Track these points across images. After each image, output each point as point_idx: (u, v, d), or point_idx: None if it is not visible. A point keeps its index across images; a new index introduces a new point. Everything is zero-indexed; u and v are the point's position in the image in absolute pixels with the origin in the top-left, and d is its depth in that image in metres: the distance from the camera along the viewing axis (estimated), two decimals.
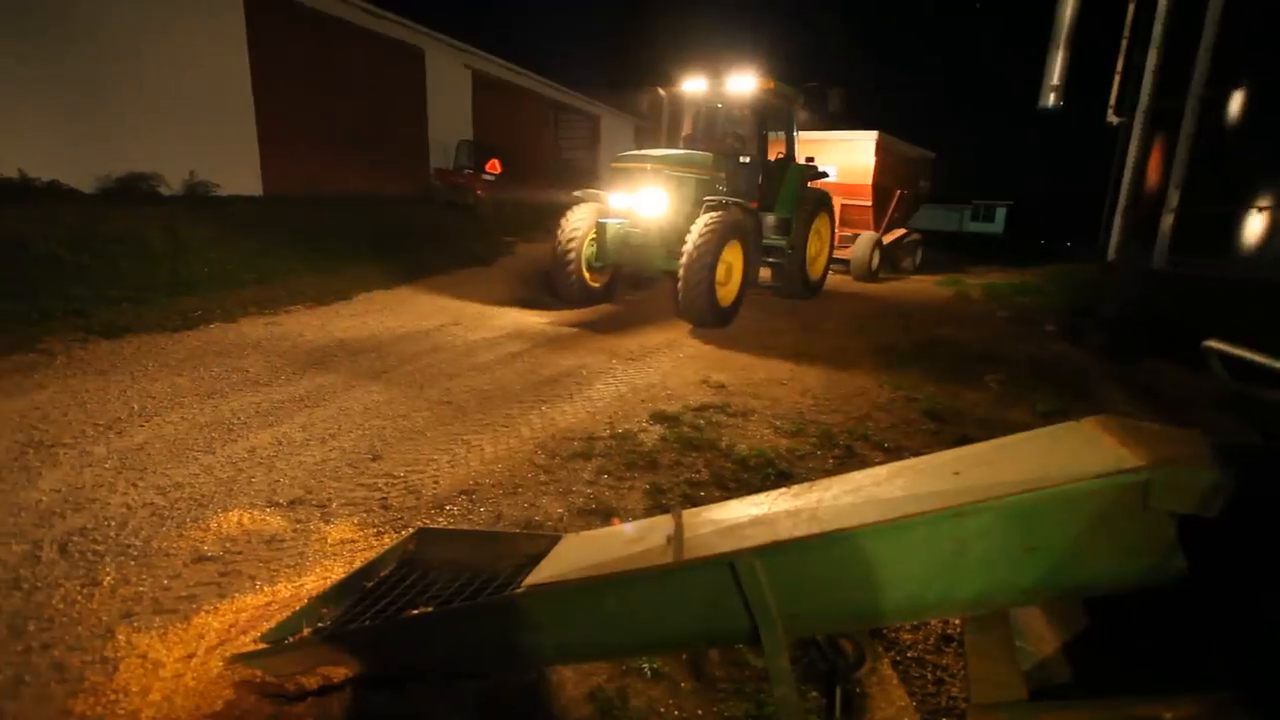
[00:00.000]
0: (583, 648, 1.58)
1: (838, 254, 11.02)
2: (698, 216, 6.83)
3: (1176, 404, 4.90)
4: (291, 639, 1.87)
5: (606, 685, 1.88)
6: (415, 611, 1.74)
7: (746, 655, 2.02)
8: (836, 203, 10.60)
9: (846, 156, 11.49)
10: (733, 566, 1.27)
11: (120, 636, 2.04)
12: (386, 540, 2.59)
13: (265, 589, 2.31)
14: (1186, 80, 6.82)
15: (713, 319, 6.74)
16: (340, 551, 2.56)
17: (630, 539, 1.51)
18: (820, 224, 9.01)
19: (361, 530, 2.72)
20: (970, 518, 1.17)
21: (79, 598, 2.23)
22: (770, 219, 8.21)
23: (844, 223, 11.99)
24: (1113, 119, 9.33)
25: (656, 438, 3.81)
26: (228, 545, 2.58)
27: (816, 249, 9.13)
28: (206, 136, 11.62)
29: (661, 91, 8.68)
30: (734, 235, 6.81)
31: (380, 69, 15.70)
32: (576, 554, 1.58)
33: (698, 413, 4.27)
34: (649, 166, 7.19)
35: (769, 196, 8.34)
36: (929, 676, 2.04)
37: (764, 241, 8.06)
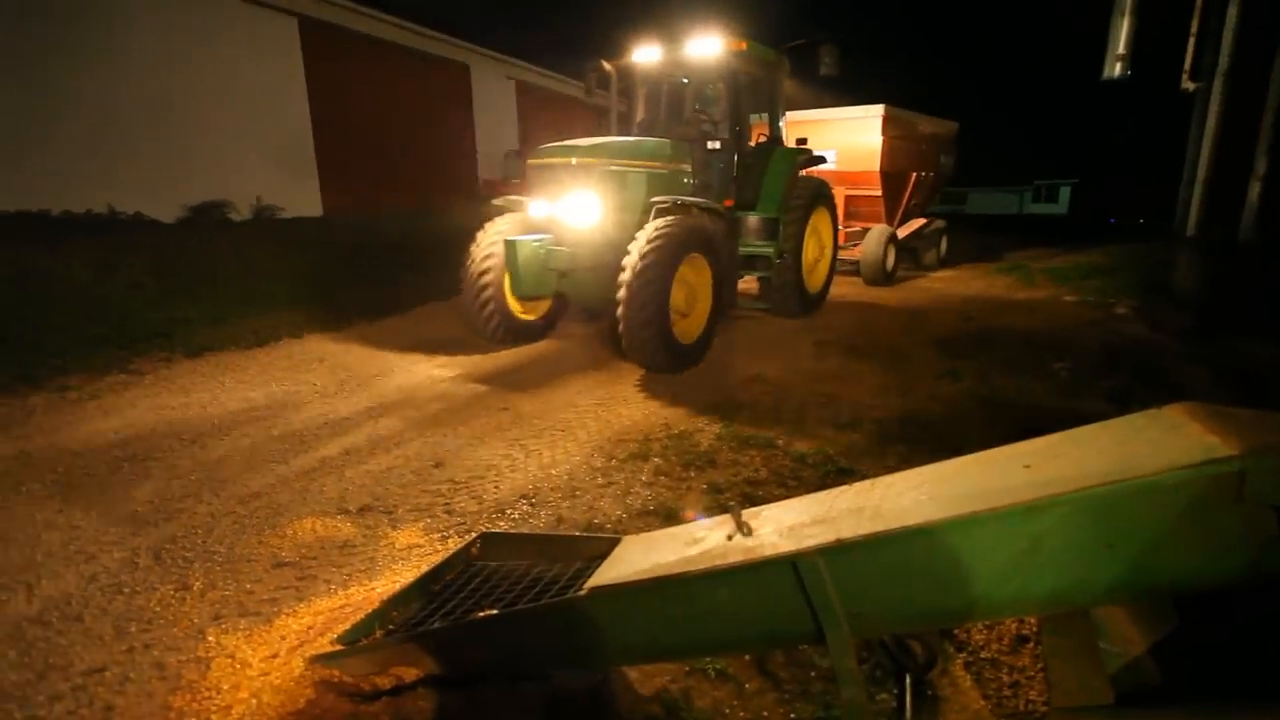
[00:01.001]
0: (645, 649, 1.59)
1: (845, 254, 9.43)
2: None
3: (1270, 388, 4.56)
4: (365, 641, 1.94)
5: (671, 686, 1.89)
6: (481, 614, 1.79)
7: (812, 656, 1.99)
8: (839, 194, 9.12)
9: (848, 138, 9.56)
10: (795, 566, 1.26)
11: (210, 637, 2.17)
12: (451, 544, 2.67)
13: (339, 592, 2.41)
14: (1270, 39, 6.34)
15: (669, 362, 4.97)
16: (408, 555, 2.65)
17: (690, 540, 1.51)
18: (819, 221, 7.33)
19: (427, 535, 2.81)
20: (1044, 513, 1.12)
21: (173, 600, 2.38)
22: (752, 220, 6.52)
23: (850, 217, 10.21)
24: (1188, 85, 8.75)
25: None
26: (303, 551, 2.70)
27: (815, 253, 7.41)
28: (270, 162, 12.24)
29: (607, 66, 6.85)
30: (694, 247, 5.14)
31: (428, 86, 16.20)
32: (637, 555, 1.59)
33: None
34: (575, 160, 5.33)
35: (749, 191, 6.66)
36: (1005, 679, 1.96)
37: (744, 249, 6.50)
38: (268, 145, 12.21)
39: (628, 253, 4.89)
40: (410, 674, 1.85)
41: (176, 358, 5.49)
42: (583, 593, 1.51)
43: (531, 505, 3.05)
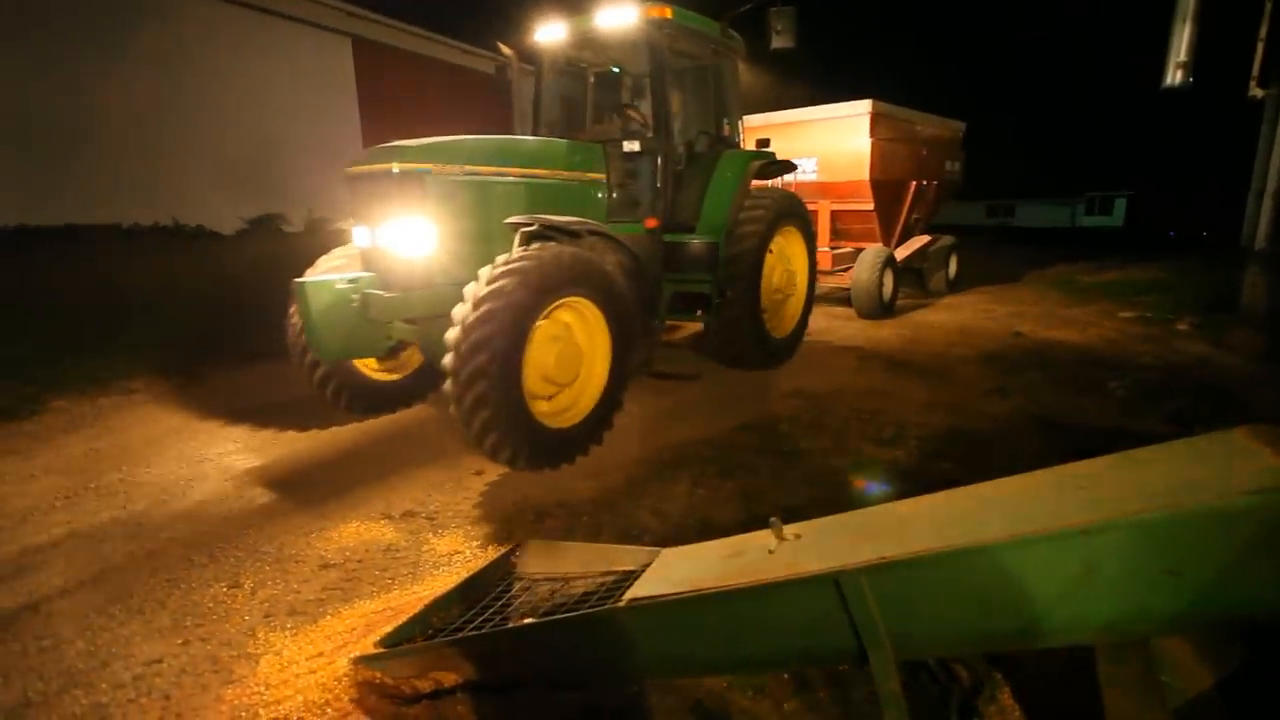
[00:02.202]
0: (683, 662, 1.59)
1: (834, 282, 8.24)
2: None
3: None
4: (407, 644, 1.98)
5: (708, 701, 1.87)
6: (520, 622, 1.81)
7: (853, 676, 1.95)
8: (823, 209, 8.28)
9: (831, 141, 8.02)
10: (838, 583, 1.24)
11: (260, 634, 2.24)
12: (491, 552, 2.70)
13: (382, 595, 2.47)
14: None
15: (530, 459, 3.40)
16: (450, 561, 2.70)
17: (730, 553, 1.50)
18: (787, 245, 5.76)
19: (466, 542, 2.86)
20: (1100, 536, 1.08)
21: (225, 598, 2.47)
22: (687, 246, 4.98)
23: (838, 237, 8.83)
24: (1256, 92, 8.36)
25: None
26: (348, 554, 2.78)
27: (783, 286, 5.72)
28: (323, 175, 12.73)
29: (506, 51, 5.47)
30: (570, 289, 3.59)
31: (470, 97, 16.63)
32: (677, 568, 1.59)
33: None
34: (397, 168, 3.65)
35: (688, 208, 5.16)
36: (1056, 709, 1.88)
37: (677, 286, 5.03)
38: (320, 158, 12.70)
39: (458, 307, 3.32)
40: (450, 679, 1.87)
41: (244, 365, 5.71)
42: (622, 604, 1.51)
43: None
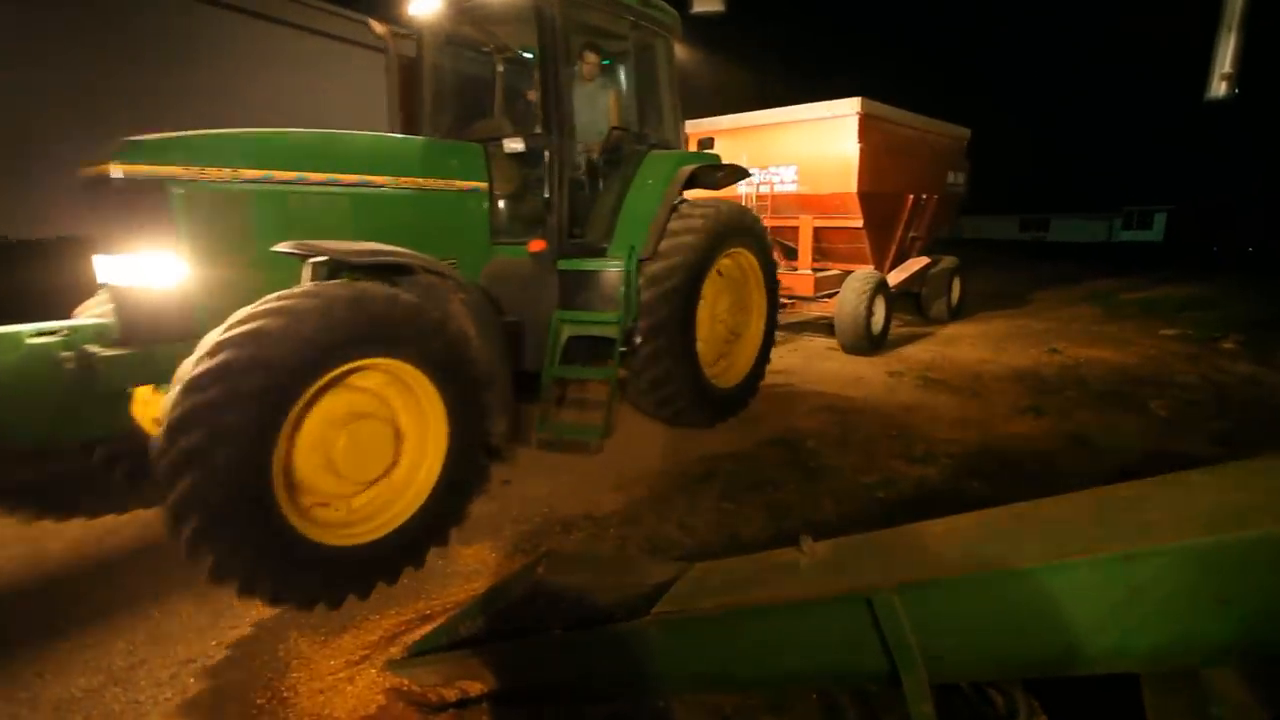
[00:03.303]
0: (711, 679, 1.57)
1: (817, 309, 7.21)
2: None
3: None
4: (434, 652, 2.00)
5: (735, 717, 1.85)
6: (546, 634, 1.81)
7: (883, 697, 1.91)
8: (804, 226, 7.24)
9: (812, 146, 6.98)
10: (870, 603, 1.22)
11: (291, 641, 2.27)
12: (518, 562, 2.71)
13: (411, 604, 2.49)
14: None
15: (276, 587, 2.27)
16: (478, 571, 2.72)
17: (760, 570, 1.49)
18: (739, 270, 4.71)
19: (493, 551, 2.88)
20: (1145, 561, 1.05)
21: (257, 603, 2.51)
22: (596, 274, 3.94)
23: (824, 256, 7.80)
24: None
25: None
26: None
27: (730, 322, 4.65)
28: None
29: (379, 28, 4.64)
30: (374, 347, 2.48)
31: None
32: (706, 583, 1.58)
33: None
34: (120, 172, 2.57)
35: (597, 224, 4.18)
36: None
37: (575, 329, 3.88)
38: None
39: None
40: (475, 688, 1.88)
41: None
42: (650, 619, 1.51)
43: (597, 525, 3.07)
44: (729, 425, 4.54)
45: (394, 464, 2.66)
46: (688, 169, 4.29)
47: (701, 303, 4.22)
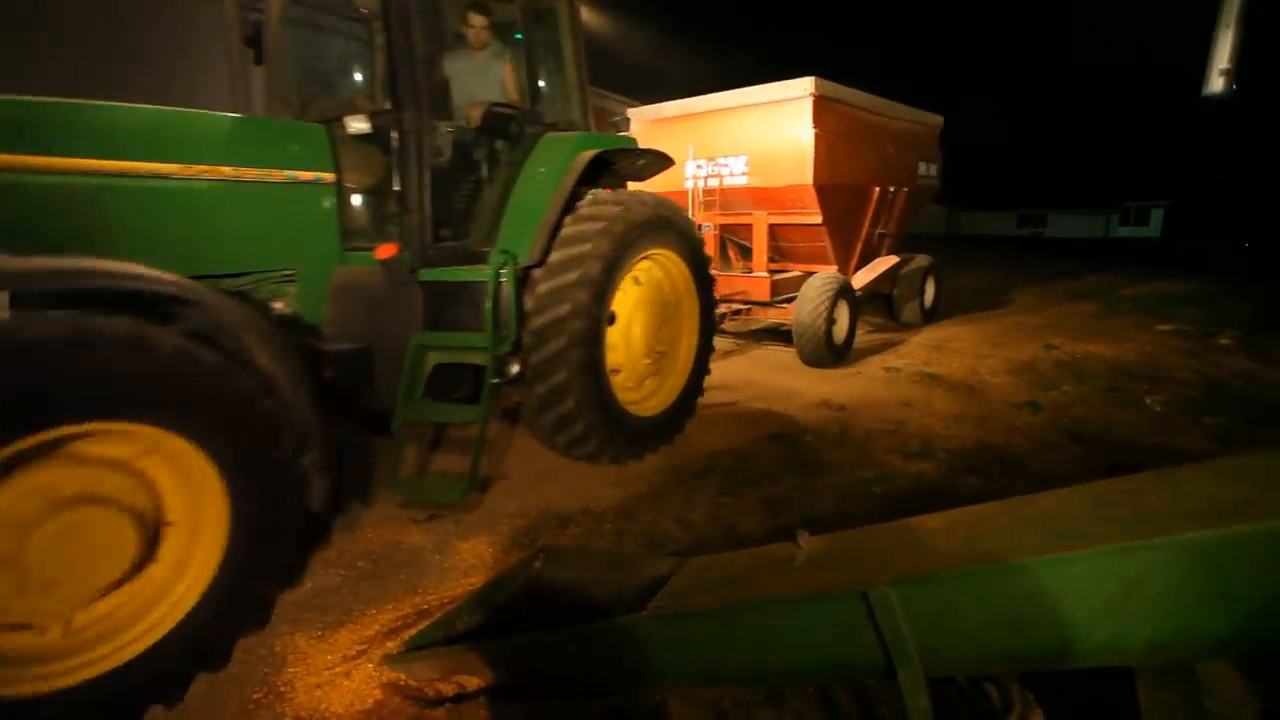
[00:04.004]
0: (707, 673, 1.57)
1: (774, 316, 6.53)
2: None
3: None
4: (431, 646, 2.00)
5: (732, 713, 1.85)
6: (542, 629, 1.81)
7: (879, 691, 1.92)
8: (758, 223, 6.56)
9: (763, 133, 6.23)
10: (866, 598, 1.22)
11: (288, 636, 2.27)
12: (514, 556, 2.71)
13: (408, 598, 2.49)
14: None
15: None
16: (475, 565, 2.72)
17: (757, 565, 1.49)
18: (662, 273, 3.96)
19: (490, 546, 2.88)
20: (1142, 555, 1.06)
21: None
22: (465, 286, 3.23)
23: (782, 257, 7.19)
24: None
25: None
26: (374, 556, 2.81)
27: (655, 342, 3.91)
28: None
29: None
30: (78, 411, 1.69)
31: None
32: (702, 578, 1.58)
33: None
34: None
35: (478, 223, 3.54)
36: None
37: (443, 355, 3.15)
38: None
39: None
40: (472, 682, 1.88)
41: None
42: (646, 613, 1.51)
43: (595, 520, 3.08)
44: (730, 421, 4.52)
45: (145, 563, 1.90)
46: (588, 154, 3.49)
47: (615, 318, 3.52)
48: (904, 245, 8.20)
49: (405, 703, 1.92)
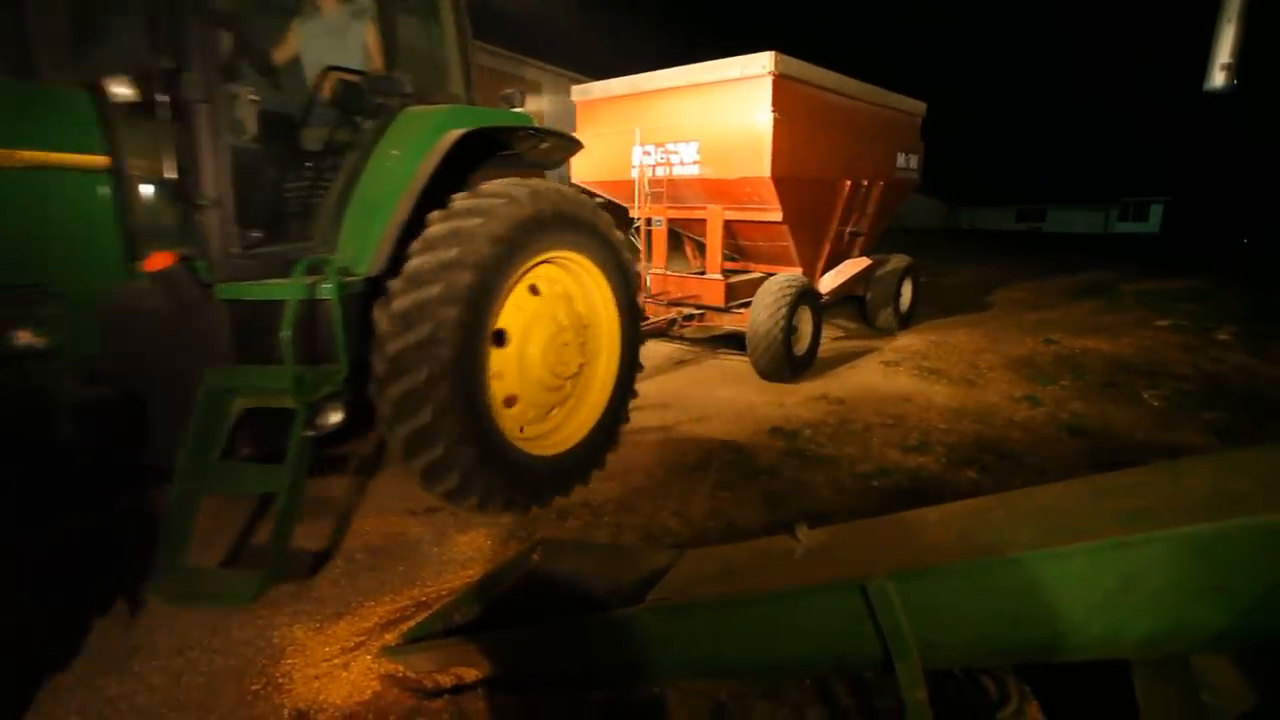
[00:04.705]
0: (705, 665, 1.58)
1: (730, 323, 5.76)
2: None
3: None
4: (429, 639, 2.00)
5: (730, 705, 1.86)
6: (540, 621, 1.81)
7: (877, 683, 1.92)
8: (712, 218, 5.79)
9: (715, 117, 5.43)
10: (864, 591, 1.22)
11: (286, 628, 2.27)
12: (513, 548, 2.72)
13: (406, 590, 2.49)
14: None
15: None
16: (473, 558, 2.72)
17: (755, 558, 1.49)
18: (571, 280, 3.30)
19: (489, 539, 2.88)
20: (1140, 549, 1.05)
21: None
22: (284, 306, 2.35)
23: (743, 256, 6.62)
24: None
25: None
26: (374, 548, 2.81)
27: (559, 365, 3.12)
28: None
29: None
30: None
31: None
32: (700, 571, 1.58)
33: None
34: None
35: (319, 223, 2.86)
36: None
37: (251, 400, 2.42)
38: None
39: None
40: (471, 674, 1.89)
41: None
42: (644, 606, 1.51)
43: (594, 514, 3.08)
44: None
45: None
46: (453, 134, 2.79)
47: (505, 338, 2.86)
48: (897, 241, 7.81)
49: (403, 694, 1.92)
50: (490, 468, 2.72)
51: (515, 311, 2.92)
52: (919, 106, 7.61)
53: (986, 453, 3.76)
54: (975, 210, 44.96)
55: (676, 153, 5.74)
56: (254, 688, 1.97)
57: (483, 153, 3.16)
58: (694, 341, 6.75)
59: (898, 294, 7.30)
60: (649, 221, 5.95)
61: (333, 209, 2.79)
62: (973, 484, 3.37)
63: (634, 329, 3.53)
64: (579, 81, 6.88)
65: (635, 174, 5.91)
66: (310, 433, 2.36)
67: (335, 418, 2.48)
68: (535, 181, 2.99)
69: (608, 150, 6.16)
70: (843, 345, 6.80)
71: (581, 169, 6.47)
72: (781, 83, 5.14)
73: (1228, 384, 5.18)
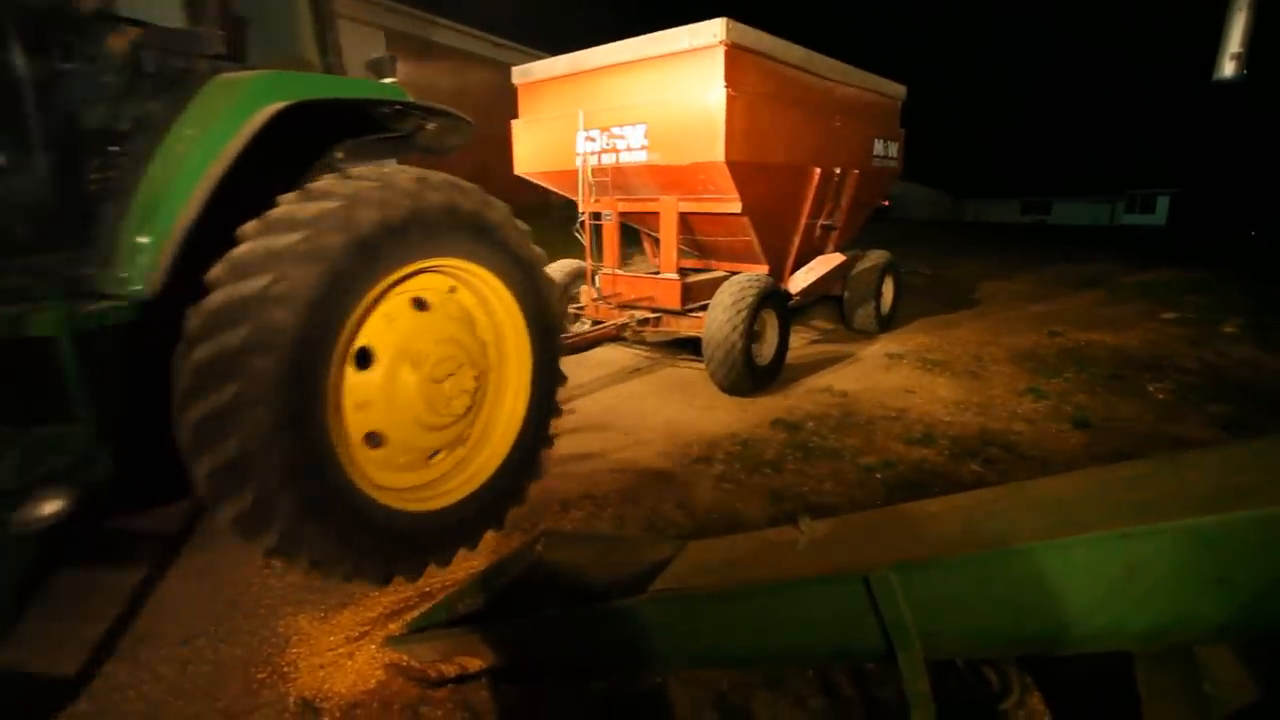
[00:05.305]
0: (707, 656, 1.58)
1: (686, 328, 5.08)
2: None
3: None
4: (433, 629, 2.01)
5: (732, 694, 1.87)
6: (543, 611, 1.82)
7: (878, 674, 1.93)
8: (666, 211, 5.15)
9: (662, 95, 4.78)
10: (867, 582, 1.22)
11: (291, 617, 2.29)
12: (516, 540, 2.73)
13: (409, 582, 2.50)
14: None
15: None
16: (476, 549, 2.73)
17: (758, 549, 1.49)
18: (479, 298, 2.64)
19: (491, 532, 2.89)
20: (1144, 540, 1.05)
21: (257, 579, 2.53)
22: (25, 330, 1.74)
23: (703, 253, 6.00)
24: None
25: None
26: None
27: (442, 400, 2.38)
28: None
29: None
30: None
31: (502, 90, 16.87)
32: (703, 562, 1.58)
33: None
34: None
35: (82, 222, 2.05)
36: (1091, 716, 1.84)
37: None
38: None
39: None
40: (474, 664, 1.90)
41: None
42: (647, 596, 1.51)
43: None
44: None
45: None
46: (271, 108, 2.13)
47: (371, 358, 2.23)
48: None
49: (408, 683, 1.94)
50: (330, 523, 2.02)
51: (388, 326, 2.26)
52: (899, 90, 7.00)
53: (990, 445, 3.76)
54: (980, 203, 44.74)
55: (623, 137, 5.03)
56: (260, 676, 1.99)
57: (352, 133, 2.71)
58: (654, 346, 6.11)
59: (878, 292, 6.73)
60: (597, 216, 5.42)
61: (111, 209, 2.07)
62: (976, 476, 3.37)
63: (549, 353, 2.86)
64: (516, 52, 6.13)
65: (579, 162, 5.29)
66: (21, 529, 1.66)
67: (52, 506, 1.73)
68: (431, 173, 2.36)
69: (551, 137, 5.57)
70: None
71: (524, 159, 5.90)
72: (736, 54, 4.47)
73: (1233, 377, 5.16)
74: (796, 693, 1.89)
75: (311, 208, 2.00)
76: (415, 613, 2.19)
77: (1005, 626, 1.21)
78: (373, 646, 2.07)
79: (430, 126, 2.84)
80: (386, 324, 2.27)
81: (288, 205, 2.04)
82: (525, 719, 1.83)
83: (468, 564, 2.58)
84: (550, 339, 2.85)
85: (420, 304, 2.42)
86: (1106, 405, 4.50)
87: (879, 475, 3.36)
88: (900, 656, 1.23)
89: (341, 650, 2.09)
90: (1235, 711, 1.19)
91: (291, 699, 1.90)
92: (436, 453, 2.57)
